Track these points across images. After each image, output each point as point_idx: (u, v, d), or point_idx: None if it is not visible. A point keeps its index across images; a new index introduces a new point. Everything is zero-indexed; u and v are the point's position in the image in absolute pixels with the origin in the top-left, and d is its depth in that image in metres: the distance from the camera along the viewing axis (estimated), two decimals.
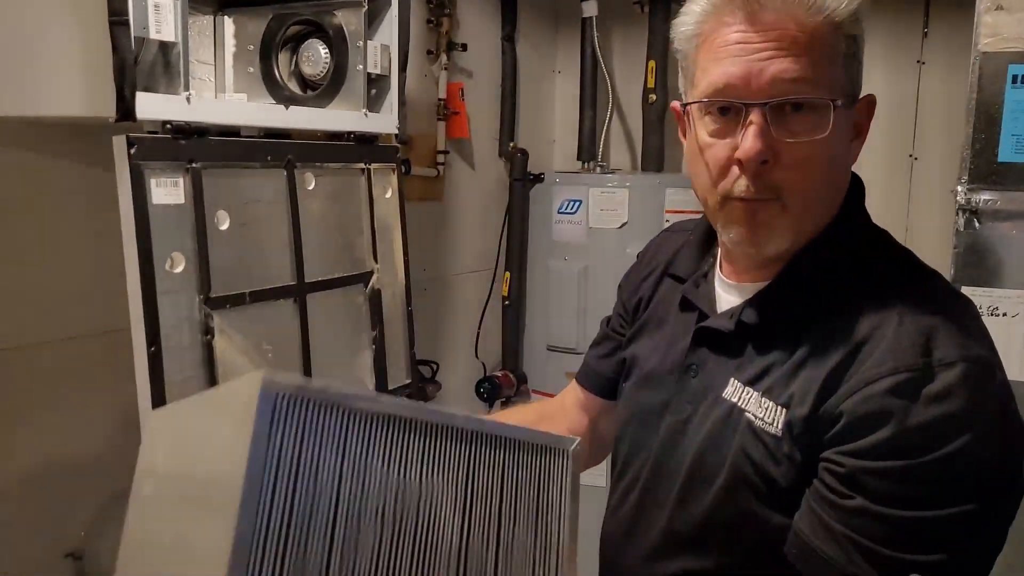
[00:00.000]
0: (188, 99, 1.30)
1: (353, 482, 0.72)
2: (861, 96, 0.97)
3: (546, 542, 0.87)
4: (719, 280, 1.08)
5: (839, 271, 0.96)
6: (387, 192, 1.74)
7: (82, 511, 1.58)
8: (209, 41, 1.67)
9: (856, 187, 1.02)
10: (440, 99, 2.62)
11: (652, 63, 2.81)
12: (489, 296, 2.84)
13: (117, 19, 1.18)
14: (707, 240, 1.13)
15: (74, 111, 1.25)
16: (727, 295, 1.06)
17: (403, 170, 2.50)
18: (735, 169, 0.93)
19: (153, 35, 1.26)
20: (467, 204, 2.79)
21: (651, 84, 2.82)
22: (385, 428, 0.74)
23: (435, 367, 2.53)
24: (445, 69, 2.61)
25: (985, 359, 0.87)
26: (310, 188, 1.54)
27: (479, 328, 2.81)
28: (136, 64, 1.31)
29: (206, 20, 1.66)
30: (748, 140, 0.90)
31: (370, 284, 1.68)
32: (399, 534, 0.76)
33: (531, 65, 3.05)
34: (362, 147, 1.67)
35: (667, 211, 2.59)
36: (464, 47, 2.64)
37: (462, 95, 2.66)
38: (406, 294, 1.78)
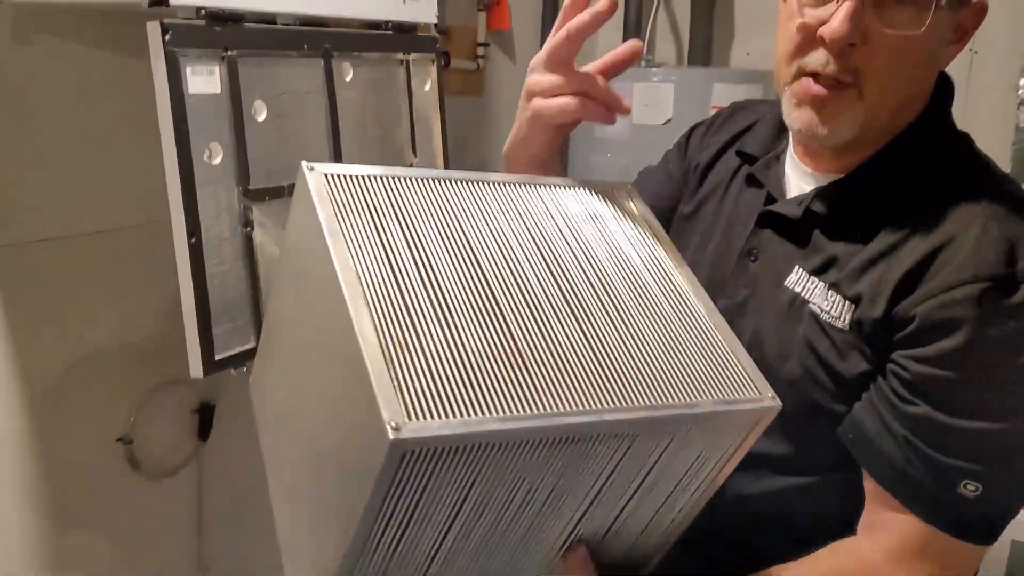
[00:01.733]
0: None
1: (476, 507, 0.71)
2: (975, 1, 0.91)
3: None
4: (792, 163, 1.03)
5: (919, 171, 0.92)
6: (426, 84, 1.70)
7: (131, 397, 1.63)
8: None
9: (944, 89, 0.97)
10: None
11: None
12: None
13: None
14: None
15: None
16: (798, 181, 1.01)
17: (442, 63, 2.46)
18: (819, 45, 0.88)
19: None
20: (507, 99, 2.74)
21: None
22: (515, 450, 0.67)
23: None
24: None
25: None
26: (348, 79, 1.51)
27: None
28: None
29: None
30: (838, 19, 0.84)
31: None
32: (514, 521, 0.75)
33: None
34: (400, 37, 1.62)
35: (714, 107, 2.51)
36: None
37: None
38: None
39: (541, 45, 0.98)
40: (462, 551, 0.75)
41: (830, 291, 0.91)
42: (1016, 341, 0.81)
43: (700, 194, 1.14)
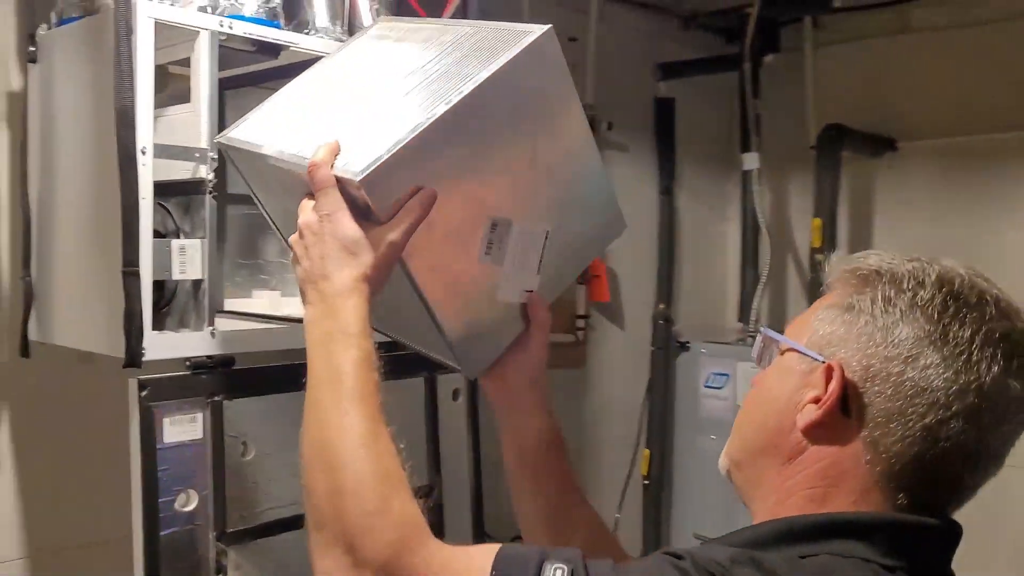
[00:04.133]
0: (212, 334, 1.30)
1: None
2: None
3: None
4: None
5: None
6: (459, 396, 1.66)
7: None
8: None
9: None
10: None
11: (818, 221, 2.55)
12: (629, 476, 2.64)
13: (128, 269, 1.20)
14: None
15: (96, 347, 1.29)
16: None
17: None
18: None
19: (177, 276, 1.28)
20: (612, 371, 2.65)
21: (817, 243, 2.55)
22: None
23: None
24: None
25: None
26: None
27: (618, 512, 2.61)
28: (169, 304, 1.34)
29: None
30: None
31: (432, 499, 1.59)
32: None
33: (693, 219, 2.88)
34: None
35: None
36: None
37: (602, 256, 2.55)
38: None
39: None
40: None
41: None
42: None
43: None
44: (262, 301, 1.70)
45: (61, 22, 1.37)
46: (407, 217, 0.92)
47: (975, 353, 0.77)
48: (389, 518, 0.82)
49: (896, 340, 0.78)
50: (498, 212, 1.03)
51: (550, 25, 1.02)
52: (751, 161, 2.67)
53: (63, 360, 1.45)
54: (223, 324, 1.52)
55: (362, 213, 0.92)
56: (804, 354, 0.83)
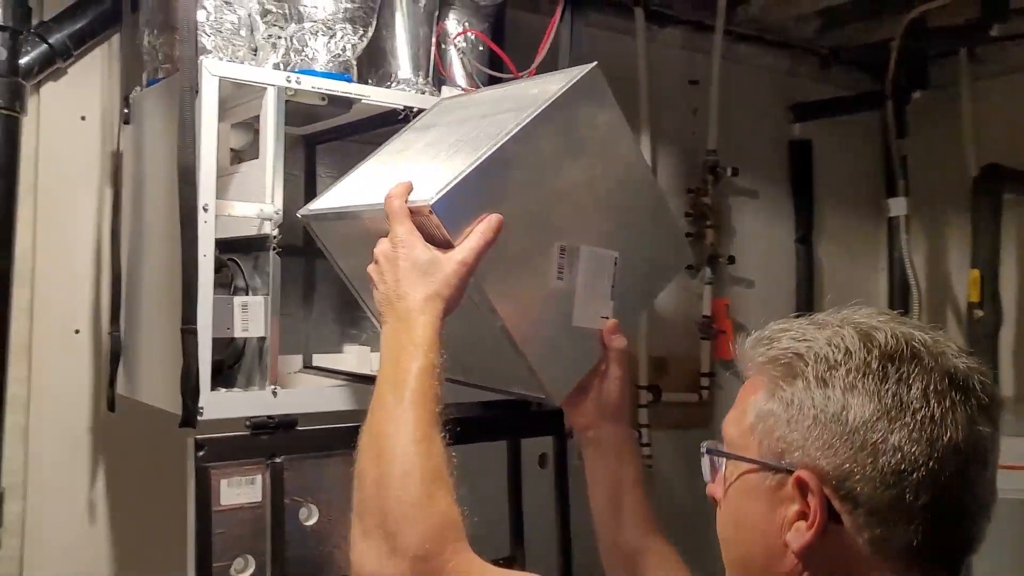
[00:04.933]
0: (274, 393, 1.27)
1: None
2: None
3: None
4: None
5: None
6: (546, 463, 1.55)
7: None
8: None
9: None
10: (704, 316, 2.37)
11: (976, 273, 2.29)
12: None
13: (187, 326, 1.19)
14: None
15: (165, 405, 1.28)
16: None
17: (652, 397, 2.29)
18: None
19: (239, 333, 1.26)
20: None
21: (975, 298, 2.29)
22: None
23: None
24: (709, 284, 2.36)
25: None
26: None
27: None
28: (236, 363, 1.33)
29: None
30: None
31: None
32: None
33: (833, 270, 2.66)
34: (516, 416, 1.50)
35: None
36: (732, 259, 2.38)
37: (728, 311, 2.39)
38: None
39: None
40: None
41: None
42: None
43: None
44: (351, 356, 1.68)
45: (149, 83, 1.41)
46: (476, 239, 0.99)
47: (935, 410, 0.72)
48: (430, 512, 0.87)
49: (852, 428, 0.73)
50: (565, 238, 1.10)
51: (595, 63, 1.15)
52: (898, 207, 2.44)
53: (147, 415, 1.46)
54: (303, 380, 1.51)
55: (434, 241, 1.00)
56: (766, 469, 0.77)
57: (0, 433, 1.42)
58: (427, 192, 1.00)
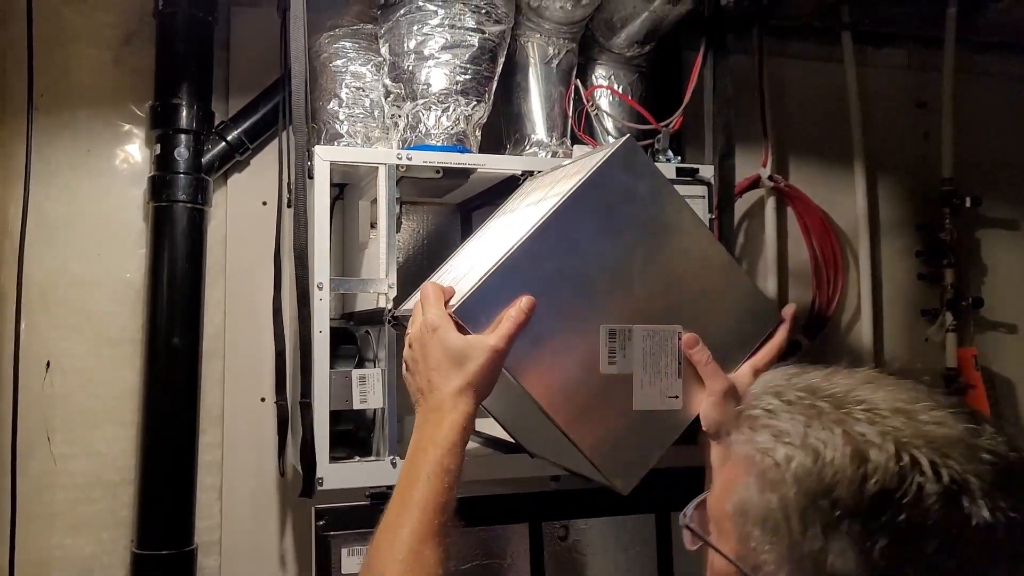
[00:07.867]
0: (393, 463, 1.29)
1: None
2: None
3: None
4: None
5: None
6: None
7: None
8: None
9: None
10: (949, 369, 2.06)
11: None
12: None
13: (304, 401, 1.25)
14: None
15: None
16: None
17: None
18: None
19: (357, 405, 1.29)
20: None
21: None
22: None
23: None
24: (952, 331, 2.06)
25: None
26: (566, 543, 1.36)
27: None
28: (370, 432, 1.37)
29: None
30: None
31: None
32: None
33: None
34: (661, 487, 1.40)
35: None
36: (980, 302, 2.06)
37: (976, 362, 2.06)
38: None
39: None
40: None
41: None
42: None
43: None
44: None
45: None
46: (508, 325, 0.97)
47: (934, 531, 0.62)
48: None
49: None
50: (614, 319, 1.04)
51: (629, 135, 1.17)
52: None
53: None
54: None
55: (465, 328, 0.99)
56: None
57: (194, 493, 1.58)
58: (456, 297, 1.01)
